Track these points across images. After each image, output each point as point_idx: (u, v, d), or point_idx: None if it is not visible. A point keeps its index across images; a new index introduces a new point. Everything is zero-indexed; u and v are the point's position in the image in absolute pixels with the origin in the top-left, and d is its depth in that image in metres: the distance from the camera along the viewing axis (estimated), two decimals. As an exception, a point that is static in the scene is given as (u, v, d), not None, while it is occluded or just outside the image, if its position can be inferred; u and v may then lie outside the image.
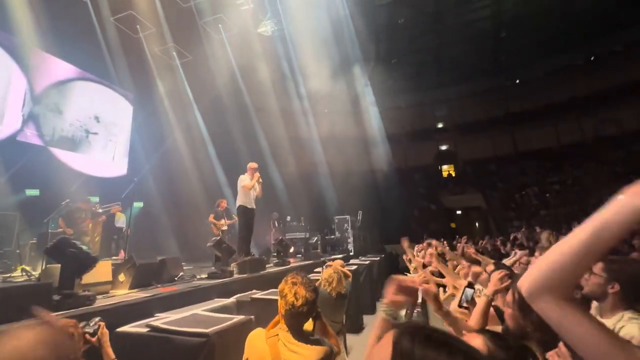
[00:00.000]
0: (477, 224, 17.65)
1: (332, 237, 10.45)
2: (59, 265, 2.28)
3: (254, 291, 3.63)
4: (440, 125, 21.16)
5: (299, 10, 12.41)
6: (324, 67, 13.62)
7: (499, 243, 7.70)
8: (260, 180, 5.39)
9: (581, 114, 16.79)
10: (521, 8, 15.15)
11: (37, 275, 3.95)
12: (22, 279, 3.96)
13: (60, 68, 8.66)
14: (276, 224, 10.38)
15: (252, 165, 5.45)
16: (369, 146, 17.63)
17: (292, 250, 7.46)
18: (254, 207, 5.43)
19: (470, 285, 1.96)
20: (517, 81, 18.71)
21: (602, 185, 14.06)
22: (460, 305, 1.93)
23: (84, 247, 2.27)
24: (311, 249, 7.98)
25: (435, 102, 20.67)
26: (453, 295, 3.00)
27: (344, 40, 14.35)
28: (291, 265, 5.83)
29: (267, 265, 5.32)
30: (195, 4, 10.90)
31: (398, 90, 18.79)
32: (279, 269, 5.24)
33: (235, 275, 4.21)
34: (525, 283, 0.61)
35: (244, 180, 5.27)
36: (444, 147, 21.06)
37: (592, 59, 16.67)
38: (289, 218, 11.38)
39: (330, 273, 3.36)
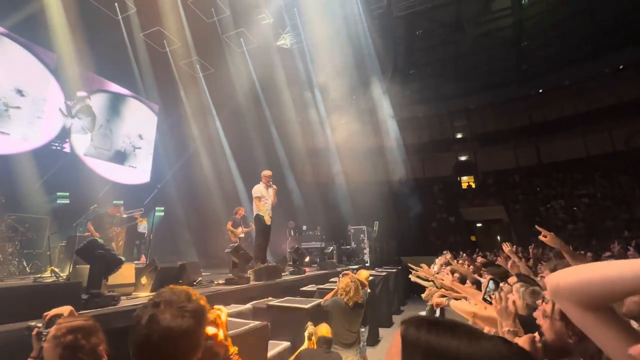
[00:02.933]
0: (498, 238, 17.03)
1: (348, 247, 10.35)
2: (88, 266, 2.40)
3: (269, 298, 3.66)
4: (459, 136, 20.79)
5: (317, 24, 12.70)
6: (342, 78, 13.78)
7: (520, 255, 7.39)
8: (275, 187, 5.47)
9: (612, 124, 16.07)
10: (544, 16, 14.87)
11: (64, 277, 4.14)
12: (51, 280, 4.15)
13: (95, 82, 9.22)
14: (292, 233, 10.43)
15: (266, 173, 5.52)
16: (386, 157, 17.51)
17: (307, 259, 7.45)
18: (271, 215, 5.48)
19: (493, 279, 1.90)
20: (540, 90, 18.20)
21: (635, 199, 13.31)
22: (484, 299, 1.87)
23: (111, 249, 2.38)
24: (327, 259, 7.95)
25: (454, 113, 20.40)
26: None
27: (361, 52, 14.51)
28: (306, 274, 5.81)
29: (282, 274, 5.33)
30: (219, 19, 11.39)
31: (416, 101, 18.70)
32: (294, 278, 5.25)
33: (252, 282, 4.25)
34: (555, 281, 0.60)
35: (258, 191, 5.32)
36: (463, 158, 20.63)
37: (620, 67, 16.04)
38: (305, 227, 11.40)
39: (347, 282, 3.33)
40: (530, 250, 3.92)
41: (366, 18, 13.63)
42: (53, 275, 4.39)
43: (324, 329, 2.58)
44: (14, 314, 1.77)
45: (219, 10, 11.08)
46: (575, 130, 16.96)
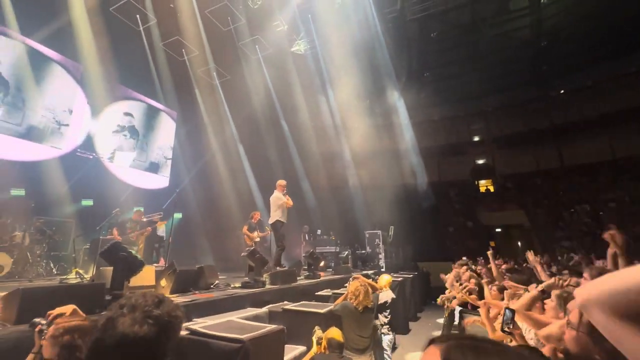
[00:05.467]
0: (519, 243, 16.46)
1: (363, 252, 10.25)
2: (111, 268, 2.48)
3: (285, 302, 3.66)
4: (476, 139, 20.32)
5: (331, 29, 12.78)
6: (356, 82, 13.78)
7: (543, 261, 7.11)
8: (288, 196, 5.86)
9: (638, 125, 15.33)
10: (563, 15, 14.43)
11: (88, 278, 4.30)
12: (76, 281, 4.32)
13: (118, 91, 9.60)
14: (307, 237, 10.42)
15: (282, 182, 5.88)
16: (401, 160, 17.32)
17: (322, 264, 7.43)
18: (286, 220, 5.78)
19: (508, 307, 1.82)
20: (562, 91, 17.59)
21: (667, 203, 12.61)
22: (503, 330, 1.79)
23: (133, 252, 2.45)
24: (341, 263, 7.90)
25: (470, 115, 19.96)
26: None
27: (375, 55, 14.49)
28: (322, 278, 5.80)
29: (297, 278, 5.34)
30: (235, 27, 11.65)
31: (431, 104, 18.43)
32: (309, 282, 5.24)
33: (268, 286, 4.27)
34: (585, 293, 0.57)
35: (280, 198, 5.68)
36: (480, 161, 20.13)
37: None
38: (319, 232, 11.37)
39: (357, 286, 3.29)
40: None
41: (379, 22, 13.61)
42: (78, 276, 4.57)
43: (335, 332, 2.52)
44: (42, 314, 1.85)
45: (234, 19, 11.35)
46: (599, 132, 16.26)
